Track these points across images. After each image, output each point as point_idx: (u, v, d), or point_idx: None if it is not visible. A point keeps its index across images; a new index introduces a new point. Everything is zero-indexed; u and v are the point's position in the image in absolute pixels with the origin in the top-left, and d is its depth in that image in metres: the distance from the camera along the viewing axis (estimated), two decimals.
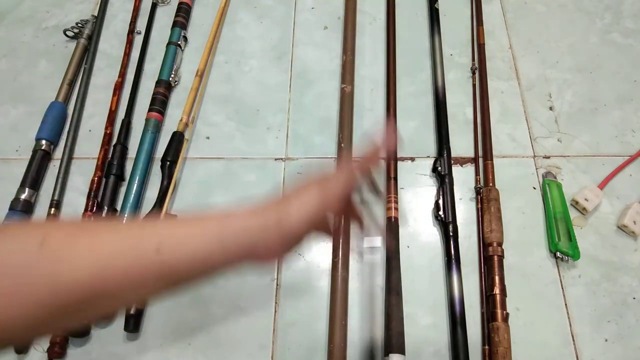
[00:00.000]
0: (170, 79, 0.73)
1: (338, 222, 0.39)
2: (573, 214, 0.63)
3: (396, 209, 0.62)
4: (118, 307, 0.30)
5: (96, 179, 0.64)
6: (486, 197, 0.62)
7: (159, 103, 0.70)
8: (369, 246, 0.39)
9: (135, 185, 0.63)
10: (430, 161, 0.67)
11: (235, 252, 0.30)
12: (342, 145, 0.66)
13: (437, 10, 0.79)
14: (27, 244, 0.26)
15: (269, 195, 0.33)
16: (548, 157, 0.68)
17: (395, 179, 0.64)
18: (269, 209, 0.32)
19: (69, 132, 0.69)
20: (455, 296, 0.56)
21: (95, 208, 0.62)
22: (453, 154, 0.67)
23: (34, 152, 0.66)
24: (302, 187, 0.34)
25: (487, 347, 0.54)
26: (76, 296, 0.26)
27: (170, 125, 0.70)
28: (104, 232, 0.29)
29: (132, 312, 0.55)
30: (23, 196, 0.62)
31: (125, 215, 0.62)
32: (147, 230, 0.30)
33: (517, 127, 0.70)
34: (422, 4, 0.82)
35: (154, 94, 0.71)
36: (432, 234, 0.62)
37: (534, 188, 0.65)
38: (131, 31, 0.79)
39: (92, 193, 0.63)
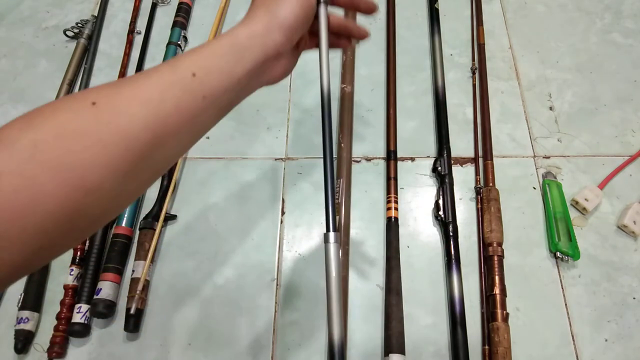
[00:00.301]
0: None
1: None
2: (573, 214, 0.63)
3: (396, 209, 0.62)
4: (179, 149, 0.32)
5: None
6: (486, 197, 0.62)
7: None
8: None
9: None
10: (430, 161, 0.67)
11: (254, 62, 0.33)
12: (342, 145, 0.66)
13: (437, 10, 0.79)
14: (81, 108, 0.26)
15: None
16: (548, 157, 0.68)
17: (395, 179, 0.64)
18: (264, 14, 0.35)
19: None
20: (455, 296, 0.56)
21: None
22: (453, 154, 0.67)
23: None
24: None
25: (487, 347, 0.54)
26: (145, 142, 0.27)
27: None
28: (141, 78, 0.29)
29: (132, 312, 0.55)
30: None
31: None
32: (175, 64, 0.31)
33: (517, 127, 0.70)
34: (422, 4, 0.82)
35: None
36: (432, 234, 0.62)
37: (534, 188, 0.65)
38: (131, 31, 0.79)
39: None
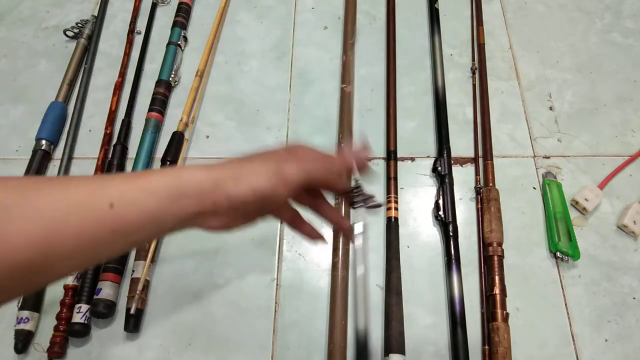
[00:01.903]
0: (170, 79, 0.73)
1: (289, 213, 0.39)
2: (573, 214, 0.63)
3: (396, 209, 0.62)
4: (70, 270, 0.29)
5: None
6: (486, 197, 0.62)
7: (159, 103, 0.70)
8: (355, 233, 0.39)
9: None
10: (430, 161, 0.67)
11: (184, 212, 0.30)
12: (342, 145, 0.66)
13: (437, 10, 0.79)
14: None
15: (234, 157, 0.33)
16: (548, 157, 0.68)
17: (395, 179, 0.64)
18: (219, 170, 0.31)
19: (69, 132, 0.69)
20: (455, 296, 0.56)
21: None
22: (453, 154, 0.67)
23: (34, 152, 0.66)
24: (261, 156, 0.34)
25: (487, 347, 0.54)
26: (28, 258, 0.24)
27: (170, 125, 0.70)
28: (55, 188, 0.27)
29: (132, 312, 0.55)
30: None
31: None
32: (100, 185, 0.28)
33: (517, 127, 0.70)
34: (422, 4, 0.82)
35: (154, 94, 0.71)
36: (432, 234, 0.62)
37: (534, 188, 0.65)
38: (131, 31, 0.79)
39: None
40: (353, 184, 0.38)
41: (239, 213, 0.33)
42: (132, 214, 0.28)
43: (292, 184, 0.33)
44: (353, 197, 0.38)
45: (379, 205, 0.39)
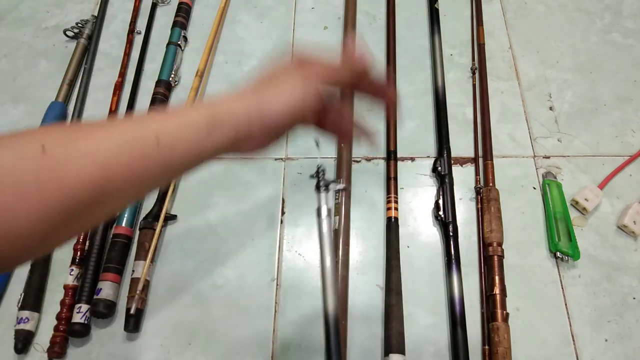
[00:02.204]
0: (170, 79, 0.73)
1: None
2: (573, 214, 0.63)
3: (396, 209, 0.62)
4: (126, 202, 0.31)
5: None
6: (486, 197, 0.62)
7: (159, 103, 0.70)
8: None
9: None
10: (430, 161, 0.67)
11: (222, 140, 0.32)
12: (342, 145, 0.66)
13: (437, 10, 0.79)
14: (29, 151, 0.25)
15: (254, 77, 0.34)
16: (548, 157, 0.68)
17: (395, 179, 0.64)
18: (250, 97, 0.33)
19: None
20: (455, 296, 0.56)
21: None
22: (453, 154, 0.67)
23: None
24: (284, 70, 0.34)
25: (487, 347, 0.54)
26: (85, 195, 0.26)
27: None
28: (103, 130, 0.28)
29: (132, 312, 0.55)
30: None
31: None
32: (145, 124, 0.30)
33: (517, 127, 0.70)
34: (422, 4, 0.82)
35: (154, 94, 0.71)
36: (432, 234, 0.62)
37: (534, 188, 0.65)
38: (131, 31, 0.79)
39: None
40: (316, 168, 0.39)
41: (272, 133, 0.34)
42: (177, 148, 0.30)
43: (317, 98, 0.34)
44: (317, 180, 0.39)
45: (344, 189, 0.40)
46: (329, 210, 0.38)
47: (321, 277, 0.36)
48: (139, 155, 0.28)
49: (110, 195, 0.27)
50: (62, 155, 0.26)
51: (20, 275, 0.59)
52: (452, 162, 0.66)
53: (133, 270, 0.58)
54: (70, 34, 0.78)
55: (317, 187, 0.38)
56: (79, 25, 0.79)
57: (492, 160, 0.65)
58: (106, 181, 0.27)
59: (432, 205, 0.63)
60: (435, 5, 0.80)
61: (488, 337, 0.54)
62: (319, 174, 0.38)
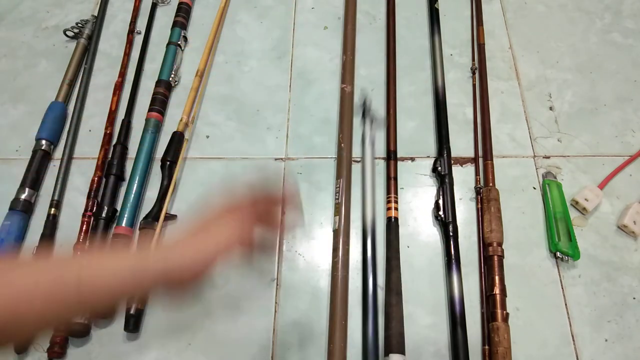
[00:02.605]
0: (170, 79, 0.73)
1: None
2: (573, 214, 0.63)
3: (396, 209, 0.62)
4: (41, 329, 0.33)
5: (96, 179, 0.64)
6: (486, 197, 0.62)
7: (159, 103, 0.70)
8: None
9: (135, 185, 0.63)
10: (430, 161, 0.67)
11: (145, 287, 0.35)
12: (342, 145, 0.66)
13: (437, 10, 0.79)
14: None
15: (194, 221, 0.37)
16: (548, 157, 0.68)
17: (395, 179, 0.64)
18: (171, 253, 0.35)
19: (69, 132, 0.69)
20: (455, 296, 0.56)
21: (95, 208, 0.62)
22: (453, 154, 0.66)
23: (34, 152, 0.66)
24: (221, 217, 0.37)
25: (487, 347, 0.54)
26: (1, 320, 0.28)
27: (170, 125, 0.70)
28: (26, 267, 0.31)
29: (132, 312, 0.55)
30: (23, 196, 0.62)
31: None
32: (69, 266, 0.32)
33: (517, 127, 0.70)
34: (422, 4, 0.82)
35: (154, 94, 0.71)
36: (432, 234, 0.62)
37: (534, 188, 0.65)
38: (131, 31, 0.79)
39: (92, 193, 0.63)
40: (363, 99, 0.43)
41: (204, 275, 0.37)
42: (96, 291, 0.32)
43: (250, 240, 0.38)
44: (363, 110, 0.42)
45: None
46: (372, 139, 0.40)
47: (361, 198, 0.36)
48: (57, 293, 0.30)
49: (22, 322, 0.29)
50: None
51: None
52: (452, 162, 0.66)
53: None
54: (70, 34, 0.78)
55: (363, 116, 0.41)
56: (79, 25, 0.79)
57: (492, 160, 0.65)
58: (18, 311, 0.28)
59: (432, 205, 0.63)
60: (435, 5, 0.80)
61: (488, 337, 0.54)
62: (365, 104, 0.42)
